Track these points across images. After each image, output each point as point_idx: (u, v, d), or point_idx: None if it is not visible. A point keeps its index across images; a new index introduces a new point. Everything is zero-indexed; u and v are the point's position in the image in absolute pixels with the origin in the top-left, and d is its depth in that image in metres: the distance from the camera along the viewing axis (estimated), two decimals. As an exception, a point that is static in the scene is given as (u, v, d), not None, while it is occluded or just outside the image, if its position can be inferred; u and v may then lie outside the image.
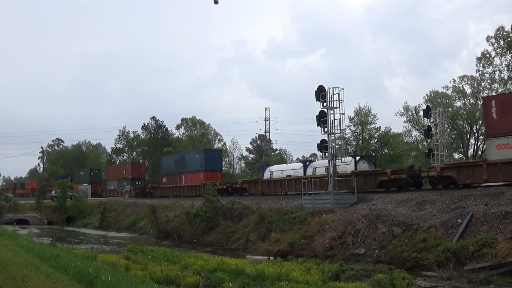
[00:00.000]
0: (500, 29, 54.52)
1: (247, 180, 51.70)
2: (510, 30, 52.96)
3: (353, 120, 69.37)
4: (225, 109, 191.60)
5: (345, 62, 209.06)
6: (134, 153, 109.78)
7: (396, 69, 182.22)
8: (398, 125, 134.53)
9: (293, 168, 44.67)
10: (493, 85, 60.52)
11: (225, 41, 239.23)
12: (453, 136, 61.23)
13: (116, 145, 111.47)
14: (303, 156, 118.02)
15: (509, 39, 53.10)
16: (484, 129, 30.12)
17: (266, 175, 46.36)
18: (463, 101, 65.85)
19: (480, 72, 58.16)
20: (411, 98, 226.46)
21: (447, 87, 66.00)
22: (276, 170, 46.24)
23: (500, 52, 54.94)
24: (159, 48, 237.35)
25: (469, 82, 64.68)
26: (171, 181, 62.32)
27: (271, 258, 24.58)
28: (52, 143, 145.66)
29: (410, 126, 69.08)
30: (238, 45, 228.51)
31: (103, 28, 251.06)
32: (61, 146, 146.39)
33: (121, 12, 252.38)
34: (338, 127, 31.96)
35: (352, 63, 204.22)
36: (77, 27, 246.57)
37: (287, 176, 42.65)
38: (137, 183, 73.47)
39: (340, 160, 32.60)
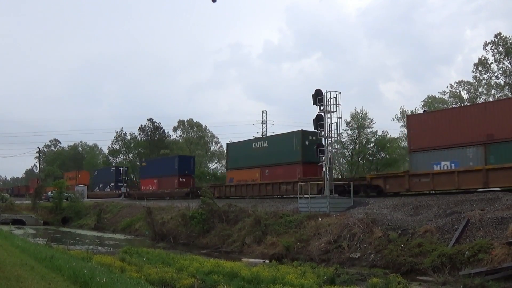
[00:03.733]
0: (498, 35, 54.76)
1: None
2: (509, 36, 53.15)
3: (349, 124, 69.50)
4: (221, 112, 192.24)
5: (341, 66, 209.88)
6: (131, 154, 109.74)
7: (391, 73, 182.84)
8: (394, 130, 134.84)
9: None
10: (489, 91, 60.78)
11: (221, 44, 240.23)
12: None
13: (113, 146, 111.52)
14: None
15: (507, 45, 53.28)
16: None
17: None
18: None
19: (477, 78, 58.38)
20: (407, 103, 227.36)
21: (444, 92, 66.34)
22: None
23: (498, 58, 55.17)
24: (155, 50, 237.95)
25: (466, 88, 64.97)
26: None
27: (267, 261, 24.58)
28: (49, 143, 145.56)
29: (406, 131, 69.19)
30: (234, 48, 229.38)
31: (100, 31, 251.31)
32: (58, 147, 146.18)
33: (118, 15, 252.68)
34: (335, 131, 32.07)
35: (348, 67, 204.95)
36: (74, 29, 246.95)
37: None
38: None
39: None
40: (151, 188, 65.45)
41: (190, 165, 61.95)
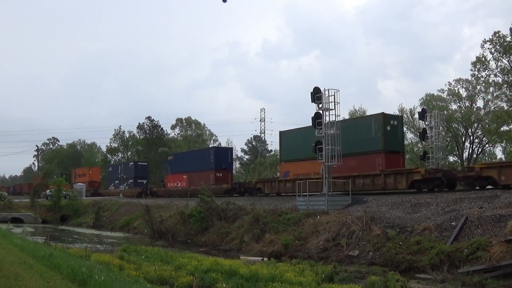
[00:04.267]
0: (497, 33, 54.72)
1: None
2: (507, 34, 53.12)
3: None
4: (220, 110, 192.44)
5: (339, 64, 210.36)
6: (129, 152, 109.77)
7: (389, 71, 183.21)
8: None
9: None
10: (488, 89, 60.83)
11: (219, 42, 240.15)
12: (448, 139, 61.46)
13: (112, 144, 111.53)
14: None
15: (505, 44, 53.24)
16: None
17: None
18: (458, 104, 66.14)
19: (475, 76, 58.39)
20: (405, 101, 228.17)
21: (443, 90, 66.33)
22: None
23: (496, 56, 55.12)
24: (154, 48, 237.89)
25: (464, 85, 64.97)
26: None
27: (265, 259, 24.53)
28: (48, 141, 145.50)
29: (405, 129, 69.30)
30: (232, 46, 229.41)
31: (98, 28, 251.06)
32: (56, 145, 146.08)
33: (116, 12, 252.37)
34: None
35: (346, 65, 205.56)
36: (72, 27, 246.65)
37: None
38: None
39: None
40: (179, 184, 58.34)
41: (227, 158, 55.14)
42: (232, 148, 62.03)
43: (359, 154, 35.12)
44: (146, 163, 77.90)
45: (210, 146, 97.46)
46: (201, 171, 53.83)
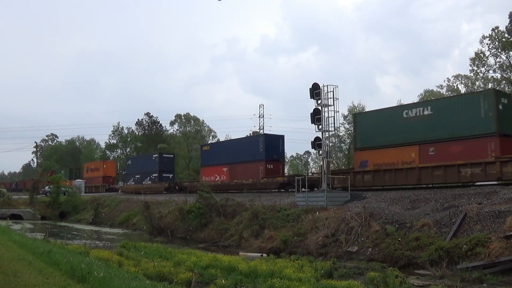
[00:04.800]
0: (495, 29, 54.73)
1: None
2: (504, 30, 53.17)
3: (347, 118, 69.49)
4: (218, 107, 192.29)
5: (337, 60, 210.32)
6: (128, 149, 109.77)
7: (388, 67, 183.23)
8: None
9: None
10: (487, 85, 60.83)
11: (217, 39, 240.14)
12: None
13: (110, 141, 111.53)
14: (296, 153, 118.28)
15: (503, 40, 53.26)
16: None
17: None
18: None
19: (474, 71, 58.40)
20: (403, 96, 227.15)
21: (441, 86, 66.38)
22: None
23: (494, 52, 55.14)
24: (152, 45, 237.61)
25: (463, 81, 64.97)
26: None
27: (264, 255, 24.57)
28: (46, 138, 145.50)
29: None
30: (230, 43, 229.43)
31: (96, 26, 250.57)
32: (55, 141, 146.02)
33: (114, 9, 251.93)
34: (332, 125, 32.03)
35: (344, 61, 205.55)
36: (71, 24, 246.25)
37: None
38: None
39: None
40: (218, 178, 50.75)
41: (279, 147, 47.00)
42: (283, 135, 50.58)
43: (464, 139, 29.21)
44: (172, 155, 71.32)
45: (208, 143, 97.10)
46: (247, 162, 46.90)
